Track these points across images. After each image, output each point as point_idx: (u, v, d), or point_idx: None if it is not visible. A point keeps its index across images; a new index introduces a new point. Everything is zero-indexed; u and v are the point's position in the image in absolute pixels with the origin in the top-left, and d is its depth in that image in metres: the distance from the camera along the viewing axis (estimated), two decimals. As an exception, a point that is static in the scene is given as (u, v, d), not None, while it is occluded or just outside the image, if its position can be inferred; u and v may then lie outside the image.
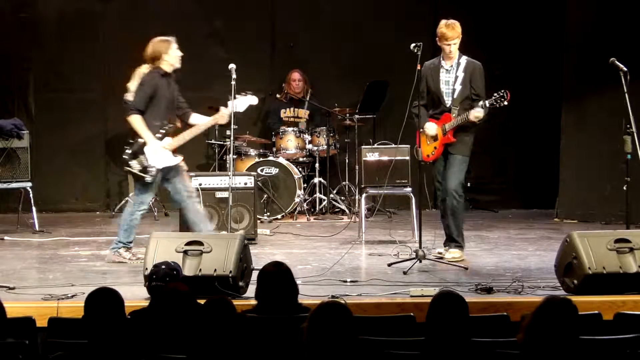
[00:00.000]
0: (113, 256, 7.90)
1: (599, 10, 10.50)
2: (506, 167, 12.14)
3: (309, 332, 3.86)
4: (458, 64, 7.90)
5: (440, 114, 7.93)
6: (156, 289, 5.85)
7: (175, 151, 7.99)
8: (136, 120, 7.86)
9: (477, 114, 7.72)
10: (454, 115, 7.84)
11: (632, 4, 10.24)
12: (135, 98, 7.95)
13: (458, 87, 7.87)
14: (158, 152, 7.87)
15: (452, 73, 7.89)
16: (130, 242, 7.96)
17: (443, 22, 7.96)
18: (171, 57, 7.99)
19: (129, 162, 7.91)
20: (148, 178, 7.87)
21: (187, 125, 8.06)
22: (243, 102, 8.10)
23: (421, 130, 7.86)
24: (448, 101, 7.90)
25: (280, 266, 5.23)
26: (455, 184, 7.86)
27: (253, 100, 8.20)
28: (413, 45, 7.71)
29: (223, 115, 8.07)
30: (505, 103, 7.77)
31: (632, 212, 8.11)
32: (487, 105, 7.77)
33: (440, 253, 7.98)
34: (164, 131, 7.90)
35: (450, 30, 7.85)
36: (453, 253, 7.86)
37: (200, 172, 10.20)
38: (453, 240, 7.95)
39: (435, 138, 7.92)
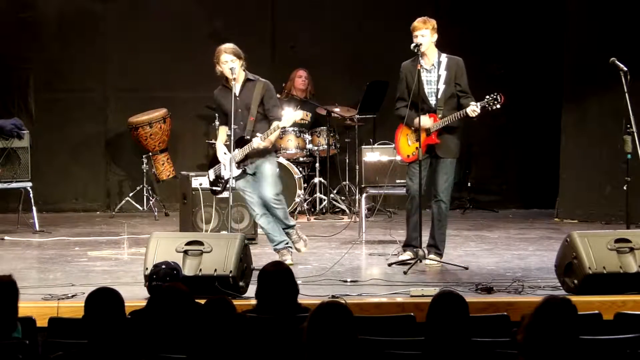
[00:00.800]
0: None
1: (599, 10, 10.50)
2: (506, 167, 12.14)
3: (309, 332, 3.86)
4: (439, 63, 7.73)
5: (424, 114, 7.71)
6: (155, 289, 5.85)
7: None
8: (219, 132, 8.10)
9: (474, 109, 7.56)
10: (439, 116, 7.69)
11: (632, 4, 10.24)
12: None
13: (442, 87, 7.71)
14: (227, 162, 7.82)
15: (433, 72, 7.74)
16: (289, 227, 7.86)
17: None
18: (221, 67, 7.86)
19: (208, 172, 8.12)
20: (216, 189, 8.01)
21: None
22: (289, 119, 7.75)
23: (412, 128, 7.76)
24: (432, 101, 7.75)
25: (280, 265, 5.23)
26: (445, 189, 7.73)
27: (297, 115, 8.02)
28: (413, 45, 7.70)
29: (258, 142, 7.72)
30: (498, 106, 7.63)
31: (632, 212, 8.12)
32: (479, 107, 7.65)
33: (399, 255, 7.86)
34: (229, 142, 7.75)
35: (420, 23, 7.72)
36: (432, 259, 7.63)
37: (201, 172, 10.17)
38: (434, 246, 7.71)
39: (417, 138, 7.74)
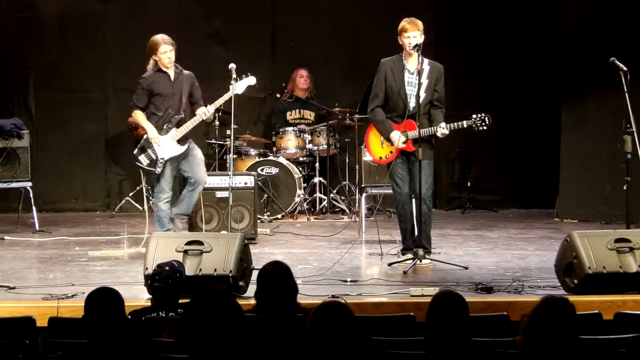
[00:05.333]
0: None
1: (599, 10, 10.50)
2: (506, 167, 12.13)
3: (310, 332, 3.85)
4: (422, 69, 7.66)
5: (402, 118, 7.72)
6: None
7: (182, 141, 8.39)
8: (138, 115, 8.41)
9: (444, 131, 7.58)
10: (417, 123, 7.63)
11: (632, 4, 10.24)
12: (135, 96, 8.47)
13: (423, 94, 7.66)
14: (165, 143, 8.32)
15: (415, 76, 7.73)
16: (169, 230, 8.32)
17: (405, 19, 7.85)
18: (159, 57, 8.41)
19: (138, 158, 8.41)
20: (157, 170, 8.36)
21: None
22: (242, 84, 8.44)
23: (384, 139, 7.79)
24: (411, 104, 7.71)
25: (278, 265, 5.23)
26: (427, 190, 7.72)
27: (251, 80, 8.56)
28: (413, 45, 7.71)
29: (205, 111, 8.40)
30: (484, 128, 7.68)
31: (632, 212, 8.12)
32: (465, 125, 7.67)
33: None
34: (169, 123, 8.33)
35: (410, 24, 7.74)
36: (424, 260, 7.60)
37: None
38: (422, 246, 7.63)
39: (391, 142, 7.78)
